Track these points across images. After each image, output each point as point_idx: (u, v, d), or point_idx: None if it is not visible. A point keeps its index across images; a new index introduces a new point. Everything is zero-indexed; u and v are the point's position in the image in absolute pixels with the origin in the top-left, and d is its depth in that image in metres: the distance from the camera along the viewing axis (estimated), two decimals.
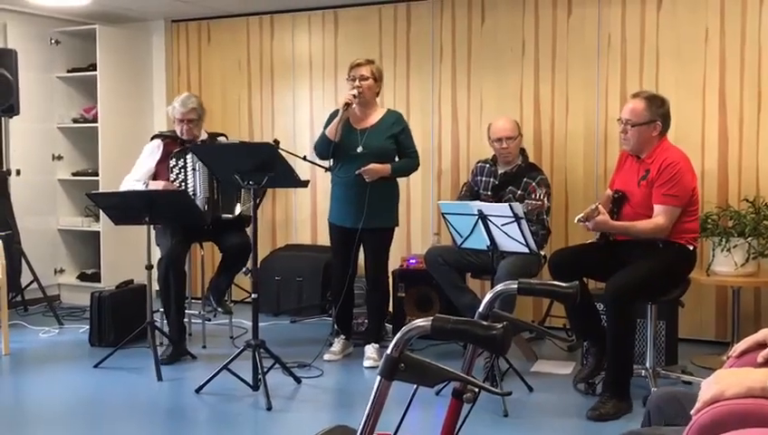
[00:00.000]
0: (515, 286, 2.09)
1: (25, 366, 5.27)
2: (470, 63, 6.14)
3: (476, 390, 1.58)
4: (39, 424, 4.23)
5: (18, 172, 6.55)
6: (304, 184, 4.82)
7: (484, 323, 1.49)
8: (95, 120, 6.92)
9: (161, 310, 5.30)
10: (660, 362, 4.69)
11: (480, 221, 4.46)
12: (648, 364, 4.47)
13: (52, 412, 4.33)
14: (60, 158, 7.08)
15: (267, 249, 6.63)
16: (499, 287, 2.11)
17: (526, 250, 4.45)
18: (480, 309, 2.09)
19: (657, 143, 4.24)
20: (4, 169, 6.45)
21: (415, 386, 1.50)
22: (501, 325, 1.46)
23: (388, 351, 1.46)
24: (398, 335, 1.46)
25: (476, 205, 4.54)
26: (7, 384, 5.01)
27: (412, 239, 6.37)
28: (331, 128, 4.88)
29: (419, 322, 1.50)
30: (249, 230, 4.76)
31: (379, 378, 1.47)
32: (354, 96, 4.86)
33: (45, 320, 6.28)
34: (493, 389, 1.64)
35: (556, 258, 4.45)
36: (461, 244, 4.74)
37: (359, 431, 1.53)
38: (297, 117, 6.80)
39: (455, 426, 1.99)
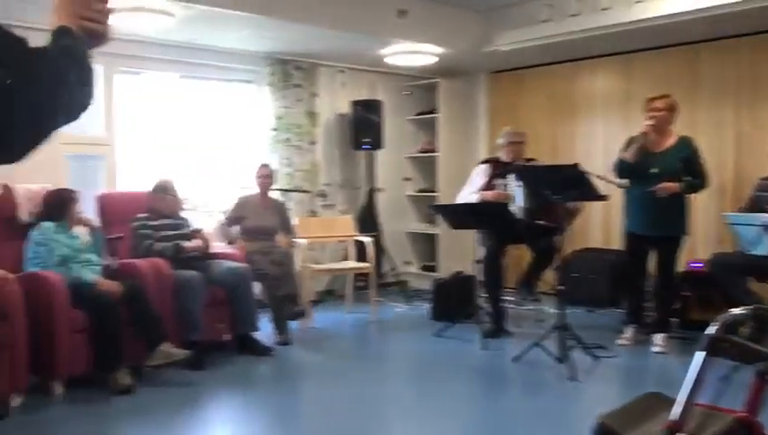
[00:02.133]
0: None
1: (385, 331, 5.69)
2: (754, 96, 5.57)
3: None
4: (394, 372, 4.56)
5: (381, 190, 7.10)
6: (604, 198, 4.68)
7: None
8: (434, 150, 7.28)
9: (485, 295, 5.44)
10: None
11: (765, 231, 4.04)
12: None
13: (403, 364, 4.65)
14: (408, 179, 7.55)
15: (568, 251, 6.50)
16: None
17: None
18: None
19: None
20: (373, 188, 7.01)
21: (732, 363, 1.42)
22: None
23: (711, 331, 1.39)
24: (721, 318, 1.39)
25: (761, 217, 4.11)
26: (374, 341, 5.45)
27: (696, 245, 5.90)
28: (630, 152, 4.70)
29: (738, 310, 1.41)
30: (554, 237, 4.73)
31: (702, 354, 1.40)
32: (650, 126, 4.65)
33: (397, 298, 6.71)
34: None
35: None
36: (749, 250, 4.33)
37: (679, 400, 1.46)
38: (593, 143, 6.61)
39: (758, 403, 1.83)
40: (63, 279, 3.94)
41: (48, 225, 4.18)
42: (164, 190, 4.84)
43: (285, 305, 5.12)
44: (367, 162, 7.07)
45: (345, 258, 6.47)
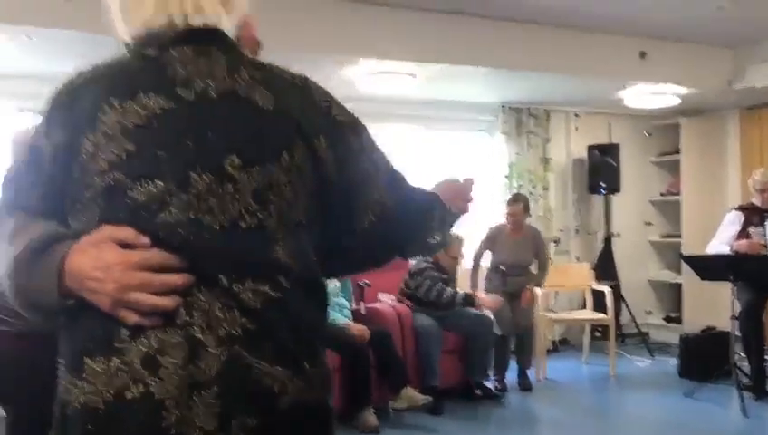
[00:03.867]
0: None
1: (627, 386, 5.41)
2: None
3: None
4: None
5: (618, 235, 6.83)
6: None
7: None
8: (678, 193, 6.86)
9: (742, 353, 4.96)
10: None
11: None
12: None
13: (649, 428, 4.37)
14: (650, 224, 7.17)
15: None
16: None
17: None
18: None
19: None
20: (610, 233, 6.77)
21: None
22: None
23: None
24: None
25: None
26: (613, 399, 5.21)
27: None
28: None
29: None
30: None
31: None
32: None
33: (638, 350, 6.35)
34: None
35: None
36: None
37: None
38: None
39: None
40: None
41: None
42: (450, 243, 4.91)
43: (524, 353, 5.12)
44: (604, 207, 6.86)
45: (581, 307, 6.29)
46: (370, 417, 4.20)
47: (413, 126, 6.37)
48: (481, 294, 5.03)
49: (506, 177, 6.48)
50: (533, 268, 5.41)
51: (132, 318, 1.01)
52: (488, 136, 6.66)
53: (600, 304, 5.86)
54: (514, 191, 6.40)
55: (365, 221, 1.17)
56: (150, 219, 1.03)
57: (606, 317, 5.70)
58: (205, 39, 1.13)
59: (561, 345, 6.57)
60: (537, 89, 5.96)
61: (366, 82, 5.15)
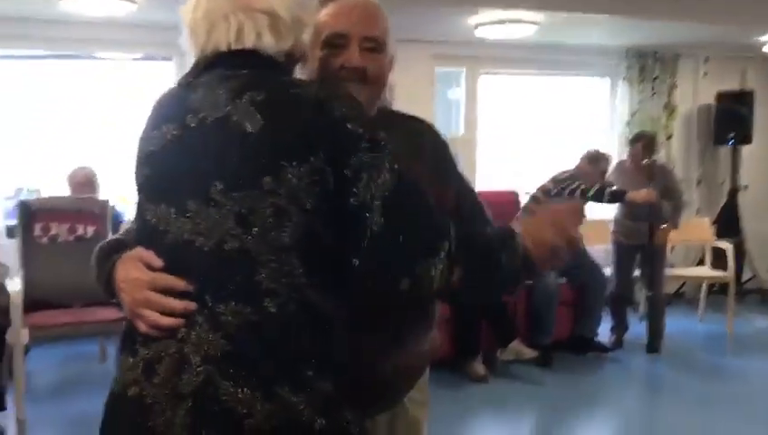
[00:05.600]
0: None
1: (743, 347, 5.24)
2: None
3: None
4: (759, 402, 4.19)
5: (745, 188, 6.49)
6: None
7: None
8: None
9: None
10: None
11: None
12: None
13: (764, 392, 4.25)
14: None
15: None
16: None
17: None
18: None
19: None
20: (737, 186, 6.43)
21: None
22: None
23: None
24: None
25: None
26: (728, 360, 5.05)
27: None
28: None
29: None
30: None
31: None
32: None
33: (759, 308, 6.11)
34: None
35: None
36: None
37: None
38: None
39: None
40: None
41: None
42: (597, 160, 4.81)
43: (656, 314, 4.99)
44: (731, 158, 6.50)
45: (700, 263, 6.09)
46: (479, 366, 4.33)
47: (529, 71, 6.22)
48: (631, 193, 4.69)
49: (627, 125, 6.25)
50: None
51: (141, 327, 1.15)
52: (610, 82, 6.41)
53: (719, 260, 5.65)
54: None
55: (364, 242, 1.10)
56: (161, 240, 1.16)
57: (726, 275, 5.50)
58: (235, 63, 1.18)
59: (676, 299, 6.41)
60: (665, 33, 5.64)
61: (486, 29, 5.06)
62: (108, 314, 3.83)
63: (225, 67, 1.18)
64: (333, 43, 1.35)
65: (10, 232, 4.39)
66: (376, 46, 1.38)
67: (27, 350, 3.70)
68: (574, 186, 4.58)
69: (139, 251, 1.19)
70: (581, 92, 6.49)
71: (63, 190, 4.56)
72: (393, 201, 1.10)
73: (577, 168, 4.79)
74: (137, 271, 1.18)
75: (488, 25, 4.96)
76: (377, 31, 1.39)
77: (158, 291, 1.14)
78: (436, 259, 1.10)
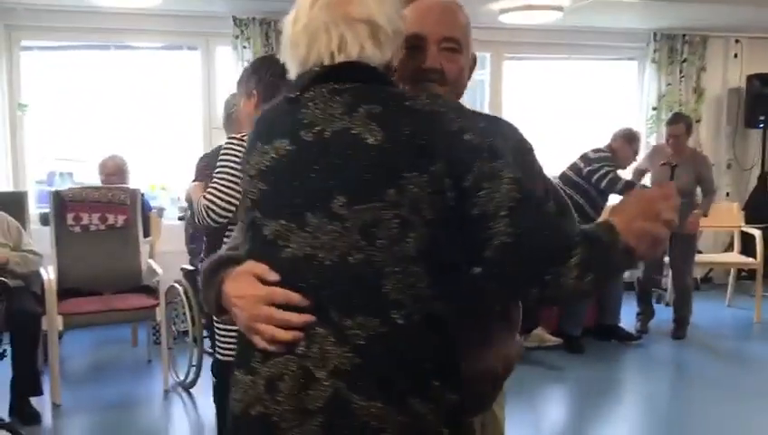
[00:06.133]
0: None
1: None
2: None
3: None
4: None
5: None
6: None
7: None
8: None
9: None
10: None
11: None
12: None
13: None
14: None
15: None
16: None
17: None
18: None
19: None
20: (766, 170, 6.33)
21: None
22: None
23: None
24: None
25: None
26: (757, 347, 5.01)
27: None
28: None
29: None
30: None
31: None
32: None
33: None
34: None
35: None
36: None
37: None
38: None
39: None
40: None
41: None
42: (634, 139, 4.82)
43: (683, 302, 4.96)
44: (761, 141, 6.39)
45: (728, 248, 6.02)
46: None
47: (554, 55, 6.17)
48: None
49: (654, 109, 6.18)
50: (698, 197, 4.99)
51: (260, 343, 1.14)
52: (637, 65, 6.33)
53: (749, 246, 5.58)
54: (662, 124, 6.12)
55: (489, 252, 1.09)
56: (277, 254, 1.14)
57: (755, 262, 5.44)
58: (342, 76, 1.16)
59: (704, 284, 6.36)
60: (694, 16, 5.55)
61: (510, 15, 5.03)
62: (137, 301, 3.94)
63: (332, 80, 1.16)
64: (412, 44, 1.31)
65: (44, 219, 4.51)
66: (455, 47, 1.36)
67: (60, 335, 3.81)
68: (604, 173, 4.57)
69: (252, 265, 1.17)
70: (608, 76, 6.41)
71: (94, 175, 4.67)
72: (519, 211, 1.09)
73: (610, 147, 4.76)
74: (251, 286, 1.15)
75: (512, 12, 4.93)
76: (456, 31, 1.36)
77: (275, 306, 1.13)
78: (566, 266, 1.08)
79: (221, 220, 2.31)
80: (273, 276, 1.14)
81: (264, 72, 2.30)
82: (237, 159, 2.21)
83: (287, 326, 1.11)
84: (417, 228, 1.09)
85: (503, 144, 1.15)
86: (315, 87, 1.17)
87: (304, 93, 1.18)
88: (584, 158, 4.72)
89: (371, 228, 1.08)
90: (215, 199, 2.29)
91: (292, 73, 1.22)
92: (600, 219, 1.19)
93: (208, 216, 2.30)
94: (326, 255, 1.10)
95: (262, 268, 1.16)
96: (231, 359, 1.30)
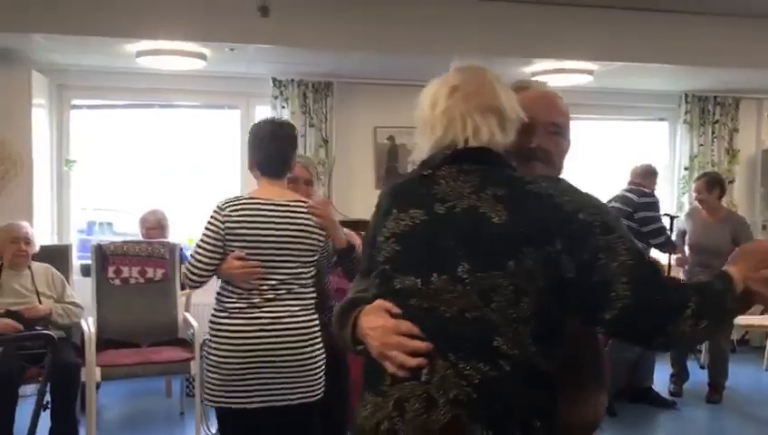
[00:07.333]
0: None
1: None
2: None
3: None
4: None
5: None
6: None
7: None
8: None
9: None
10: None
11: None
12: None
13: None
14: None
15: None
16: None
17: None
18: None
19: None
20: None
21: None
22: None
23: None
24: None
25: None
26: None
27: None
28: None
29: None
30: None
31: None
32: None
33: None
34: None
35: None
36: None
37: None
38: None
39: None
40: None
41: None
42: (656, 174, 4.99)
43: (717, 363, 4.90)
44: None
45: (765, 311, 5.92)
46: None
47: (586, 115, 6.24)
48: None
49: (686, 169, 6.19)
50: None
51: (390, 369, 1.31)
52: (668, 126, 6.38)
53: None
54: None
55: (607, 315, 1.26)
56: (403, 303, 1.34)
57: None
58: (472, 158, 1.37)
59: (740, 346, 6.24)
60: (725, 78, 5.61)
61: (542, 78, 5.14)
62: (173, 354, 4.03)
63: (463, 162, 1.37)
64: (524, 127, 1.48)
65: (85, 271, 4.66)
66: (559, 131, 1.57)
67: (98, 386, 3.90)
68: (655, 226, 4.68)
69: (381, 302, 1.37)
70: (639, 136, 6.46)
71: (134, 226, 4.83)
72: (637, 275, 1.25)
73: (641, 185, 4.83)
74: (381, 319, 1.35)
75: (544, 75, 5.04)
76: (560, 118, 1.58)
77: (403, 335, 1.30)
78: (683, 316, 1.24)
79: (201, 281, 2.61)
80: (398, 309, 1.34)
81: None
82: (214, 228, 2.52)
83: (414, 354, 1.28)
84: (530, 295, 1.27)
85: (610, 218, 1.32)
86: (446, 166, 1.38)
87: (437, 171, 1.39)
88: (627, 201, 4.74)
89: (489, 293, 1.27)
90: (191, 267, 2.57)
91: (424, 152, 1.43)
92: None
93: (189, 279, 2.60)
94: (446, 308, 1.29)
95: (389, 305, 1.35)
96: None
